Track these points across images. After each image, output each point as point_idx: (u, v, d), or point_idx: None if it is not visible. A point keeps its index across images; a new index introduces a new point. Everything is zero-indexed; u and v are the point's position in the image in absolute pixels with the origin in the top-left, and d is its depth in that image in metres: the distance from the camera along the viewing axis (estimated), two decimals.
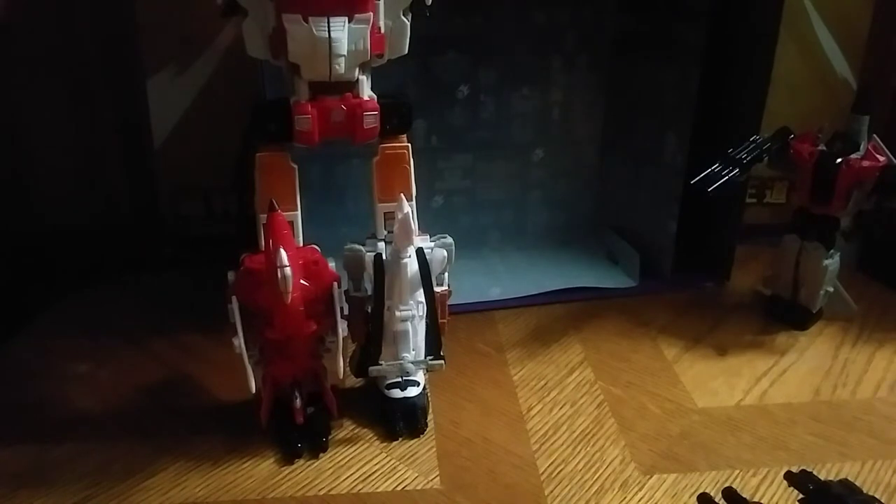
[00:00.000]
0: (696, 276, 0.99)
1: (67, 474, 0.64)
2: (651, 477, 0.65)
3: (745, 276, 0.98)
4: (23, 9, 0.90)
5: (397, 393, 0.70)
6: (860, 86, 0.93)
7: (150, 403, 0.74)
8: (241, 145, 0.72)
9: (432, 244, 0.66)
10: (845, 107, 0.83)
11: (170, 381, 0.77)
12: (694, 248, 0.97)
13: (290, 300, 0.59)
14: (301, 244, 0.64)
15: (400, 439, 0.69)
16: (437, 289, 0.67)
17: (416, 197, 0.67)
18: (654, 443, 0.69)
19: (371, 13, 0.59)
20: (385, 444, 0.68)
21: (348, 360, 0.67)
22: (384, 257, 0.65)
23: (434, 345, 0.68)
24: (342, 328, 0.63)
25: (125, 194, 1.00)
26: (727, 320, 0.91)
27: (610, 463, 0.67)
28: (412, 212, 0.64)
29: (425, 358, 0.68)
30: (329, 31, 0.57)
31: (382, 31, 0.61)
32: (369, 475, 0.64)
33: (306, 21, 0.57)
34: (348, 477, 0.64)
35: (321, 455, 0.66)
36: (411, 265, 0.64)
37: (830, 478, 0.57)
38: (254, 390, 0.62)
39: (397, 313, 0.65)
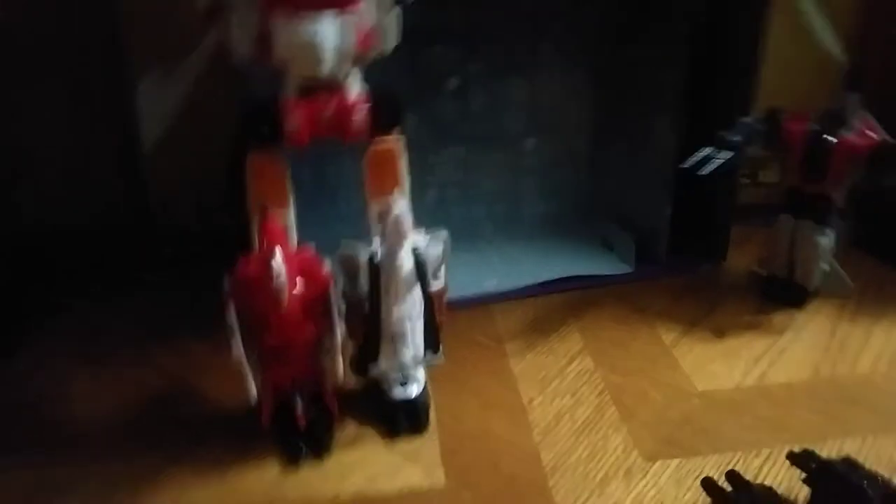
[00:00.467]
0: (691, 260, 0.99)
1: (75, 489, 0.64)
2: (654, 463, 0.65)
3: (740, 257, 0.98)
4: (17, 12, 0.89)
5: (398, 392, 0.70)
6: (850, 63, 0.93)
7: (152, 412, 0.74)
8: (231, 147, 0.72)
9: (427, 239, 0.66)
10: (836, 85, 0.83)
11: (171, 390, 0.77)
12: (689, 232, 0.97)
13: (284, 306, 0.59)
14: (295, 245, 0.64)
15: (403, 437, 0.69)
16: (433, 285, 0.66)
17: (408, 191, 0.67)
18: (656, 429, 0.70)
19: (357, 9, 0.59)
20: (389, 442, 0.68)
21: (348, 360, 0.67)
22: (378, 257, 0.64)
23: (432, 341, 0.68)
24: (340, 330, 0.63)
25: (121, 197, 1.00)
26: (724, 302, 0.91)
27: (613, 451, 0.67)
28: (406, 208, 0.64)
29: (424, 355, 0.68)
30: (315, 30, 0.57)
31: (370, 27, 0.61)
32: (375, 475, 0.64)
33: (292, 20, 0.57)
34: (354, 477, 0.64)
35: (325, 457, 0.66)
36: (405, 264, 0.63)
37: (832, 455, 0.58)
38: (254, 397, 0.62)
39: (394, 313, 0.65)
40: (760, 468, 0.64)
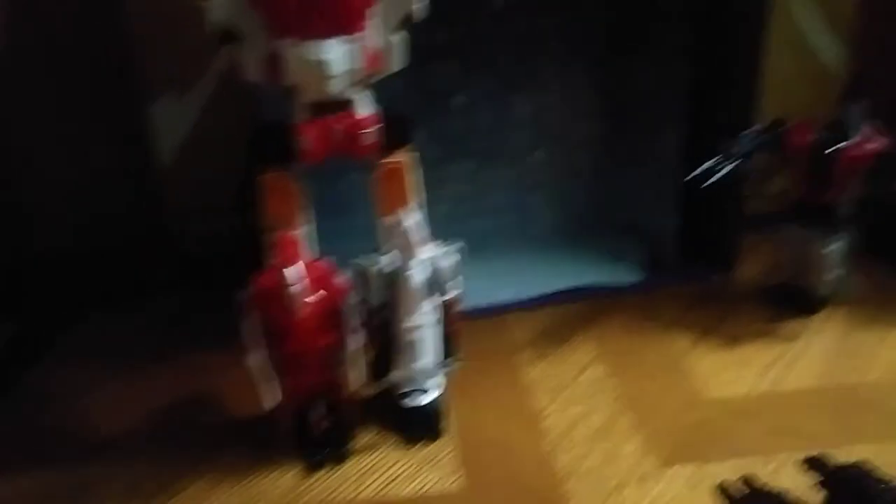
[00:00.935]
0: (702, 269, 1.00)
1: (97, 496, 0.65)
2: (669, 469, 0.66)
3: (750, 266, 0.99)
4: (31, 35, 0.92)
5: (412, 400, 0.71)
6: (851, 73, 0.94)
7: (171, 422, 0.75)
8: (243, 165, 0.74)
9: (441, 252, 0.67)
10: (838, 94, 0.83)
11: (188, 400, 0.79)
12: (699, 241, 0.98)
13: (300, 316, 0.60)
14: (312, 258, 0.66)
15: (420, 444, 0.70)
16: (447, 295, 0.68)
17: (422, 205, 0.69)
18: (670, 435, 0.70)
19: (363, 32, 0.61)
20: (406, 448, 0.69)
21: (364, 369, 0.68)
22: (390, 270, 0.66)
23: (450, 349, 0.69)
24: (356, 339, 0.64)
25: (131, 216, 1.02)
26: (735, 311, 0.91)
27: (627, 457, 0.68)
28: (418, 220, 0.65)
29: (439, 364, 0.69)
30: (323, 53, 0.59)
31: (376, 48, 0.63)
32: (392, 480, 0.66)
33: (301, 44, 0.59)
34: (372, 483, 0.65)
35: (344, 463, 0.68)
36: (416, 277, 0.65)
37: (846, 461, 0.58)
38: (272, 406, 0.63)
39: (406, 325, 0.67)
40: (774, 474, 0.65)
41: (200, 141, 1.00)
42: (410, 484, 0.65)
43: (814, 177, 0.83)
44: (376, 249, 0.69)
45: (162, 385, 0.81)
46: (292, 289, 0.59)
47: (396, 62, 0.64)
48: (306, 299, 0.60)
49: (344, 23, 0.59)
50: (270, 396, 0.63)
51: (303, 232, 0.66)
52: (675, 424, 0.72)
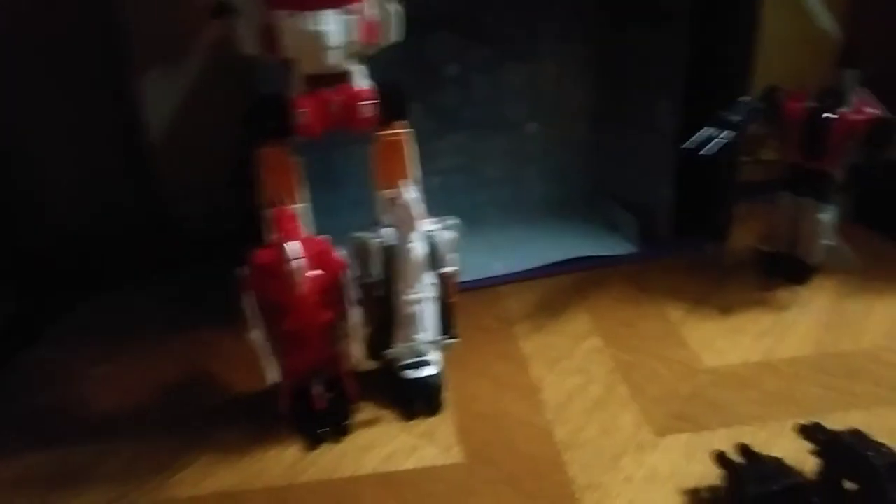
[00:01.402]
0: (695, 239, 1.00)
1: (99, 474, 0.65)
2: (665, 438, 0.67)
3: (743, 235, 1.00)
4: (17, 10, 0.90)
5: (412, 373, 0.71)
6: (846, 40, 0.93)
7: (172, 400, 0.75)
8: (240, 140, 0.73)
9: (439, 226, 0.67)
10: (832, 62, 0.83)
11: (189, 378, 0.78)
12: (692, 211, 0.98)
13: (301, 292, 0.60)
14: (310, 234, 0.65)
15: (418, 418, 0.70)
16: (445, 269, 0.68)
17: (418, 178, 0.68)
18: (666, 405, 0.71)
19: (361, 3, 0.60)
20: (405, 423, 0.70)
21: (363, 344, 0.68)
22: (390, 244, 0.66)
23: (446, 324, 0.69)
24: (355, 314, 0.64)
25: (128, 195, 1.01)
26: (728, 280, 0.92)
27: (624, 427, 0.68)
28: (416, 194, 0.65)
29: (438, 337, 0.69)
30: (320, 25, 0.58)
31: (372, 20, 0.62)
32: (392, 454, 0.66)
33: (297, 17, 0.58)
34: (372, 458, 0.66)
35: (343, 438, 0.68)
36: (417, 250, 0.65)
37: (838, 427, 0.59)
38: (274, 381, 0.63)
39: (407, 297, 0.67)
40: (768, 441, 0.66)
41: (192, 116, 0.98)
42: (410, 458, 0.66)
43: (808, 144, 0.83)
44: (375, 223, 0.68)
45: (161, 363, 0.80)
46: (293, 264, 0.58)
47: (394, 34, 0.63)
48: (306, 276, 0.60)
49: None
50: (271, 373, 0.63)
51: (302, 207, 0.66)
52: (670, 394, 0.72)
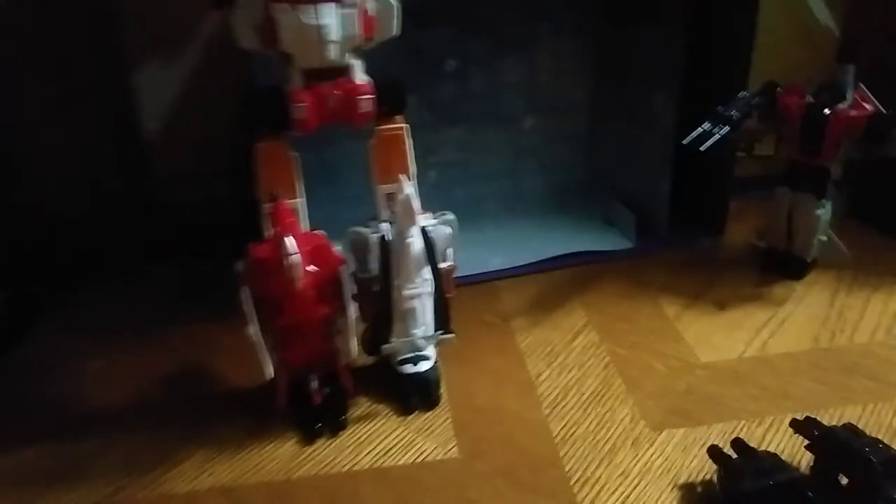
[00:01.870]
0: (691, 234, 1.00)
1: (95, 468, 0.65)
2: (661, 433, 0.67)
3: (739, 230, 1.00)
4: (11, 3, 0.89)
5: (409, 368, 0.71)
6: (844, 35, 0.94)
7: (168, 394, 0.75)
8: (236, 133, 0.72)
9: (435, 222, 0.67)
10: (830, 57, 0.83)
11: (185, 372, 0.78)
12: (688, 206, 0.99)
13: (299, 287, 0.60)
14: (306, 229, 0.65)
15: (415, 413, 0.70)
16: (442, 265, 0.68)
17: (415, 173, 0.68)
18: (662, 399, 0.71)
19: None
20: (402, 418, 0.70)
21: (360, 339, 0.68)
22: (388, 238, 0.66)
23: (443, 319, 0.69)
24: (352, 309, 0.64)
25: (123, 186, 1.00)
26: (724, 275, 0.93)
27: (620, 422, 0.68)
28: (413, 189, 0.65)
29: (435, 333, 0.69)
30: (320, 19, 0.58)
31: (371, 13, 0.62)
32: (389, 449, 0.66)
33: (295, 10, 0.58)
34: (369, 452, 0.66)
35: (341, 433, 0.68)
36: (415, 244, 0.65)
37: (833, 422, 0.59)
38: (271, 376, 0.63)
39: (405, 292, 0.67)
40: (764, 436, 0.66)
41: (188, 108, 0.98)
42: (407, 453, 0.66)
43: (805, 139, 0.83)
44: (373, 218, 0.68)
45: (158, 358, 0.80)
46: (290, 259, 0.58)
47: (392, 27, 0.63)
48: (303, 270, 0.60)
49: None
50: (268, 367, 0.63)
51: (299, 201, 0.65)
52: (666, 389, 0.73)
